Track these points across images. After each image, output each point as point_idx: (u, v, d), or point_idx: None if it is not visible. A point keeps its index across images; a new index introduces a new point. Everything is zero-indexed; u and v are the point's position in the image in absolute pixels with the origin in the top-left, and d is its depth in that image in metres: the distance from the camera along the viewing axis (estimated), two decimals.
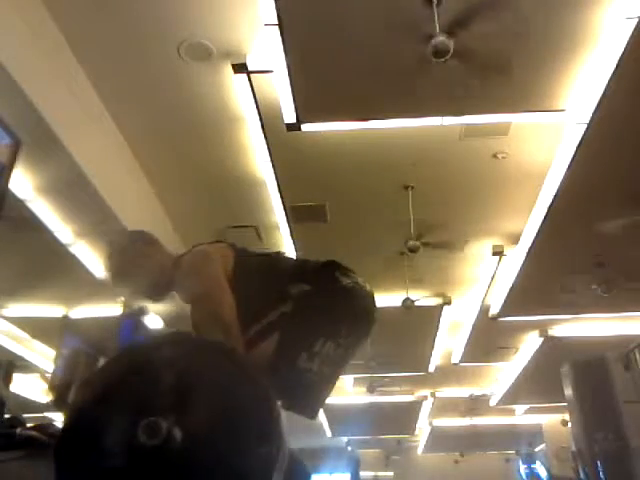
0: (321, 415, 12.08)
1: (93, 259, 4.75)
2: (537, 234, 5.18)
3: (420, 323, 7.31)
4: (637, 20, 3.03)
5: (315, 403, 1.67)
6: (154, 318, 5.58)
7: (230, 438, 0.96)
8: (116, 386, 1.01)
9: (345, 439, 15.33)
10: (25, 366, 6.45)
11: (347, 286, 1.69)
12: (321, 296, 1.66)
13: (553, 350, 7.86)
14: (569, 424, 7.81)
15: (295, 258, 1.88)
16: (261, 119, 3.87)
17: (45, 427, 1.31)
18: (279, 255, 2.01)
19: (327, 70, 3.46)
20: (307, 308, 1.63)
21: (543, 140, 4.21)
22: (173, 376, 1.01)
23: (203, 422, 0.96)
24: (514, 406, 12.27)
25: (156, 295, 1.86)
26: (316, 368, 1.57)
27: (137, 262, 1.79)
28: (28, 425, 1.35)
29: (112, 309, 5.40)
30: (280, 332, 1.61)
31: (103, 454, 0.95)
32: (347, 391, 10.45)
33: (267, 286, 1.70)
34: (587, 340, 7.60)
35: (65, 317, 5.89)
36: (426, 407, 12.16)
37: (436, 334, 7.84)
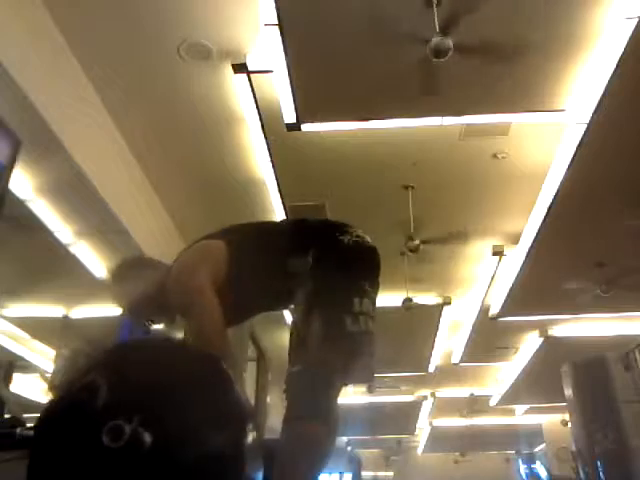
0: None
1: (93, 259, 4.75)
2: (537, 234, 5.18)
3: (420, 323, 7.31)
4: (637, 20, 3.03)
5: (372, 362, 1.70)
6: None
7: (188, 429, 0.98)
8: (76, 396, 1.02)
9: (345, 439, 15.33)
10: (25, 366, 6.45)
11: (350, 243, 1.72)
12: (332, 262, 1.68)
13: (553, 350, 7.87)
14: (569, 424, 7.80)
15: (290, 223, 1.87)
16: (261, 119, 3.87)
17: None
18: (274, 225, 2.00)
19: (327, 70, 3.46)
20: (325, 277, 1.64)
21: (543, 140, 4.21)
22: (130, 381, 1.02)
23: (163, 422, 0.97)
24: (514, 406, 12.27)
25: (171, 314, 1.82)
26: (364, 327, 1.60)
27: (140, 290, 1.75)
28: (28, 425, 1.35)
29: (112, 309, 5.40)
30: (316, 309, 1.62)
31: (71, 457, 0.96)
32: (347, 391, 10.43)
33: (271, 267, 1.70)
34: (587, 340, 7.60)
35: (65, 317, 5.88)
36: (426, 407, 12.16)
37: (436, 334, 7.85)
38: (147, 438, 0.93)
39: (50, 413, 1.05)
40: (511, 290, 6.32)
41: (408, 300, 6.13)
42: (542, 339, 7.94)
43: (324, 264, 1.67)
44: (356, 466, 13.57)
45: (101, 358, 1.17)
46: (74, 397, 1.02)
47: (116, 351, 1.22)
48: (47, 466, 0.99)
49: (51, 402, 1.12)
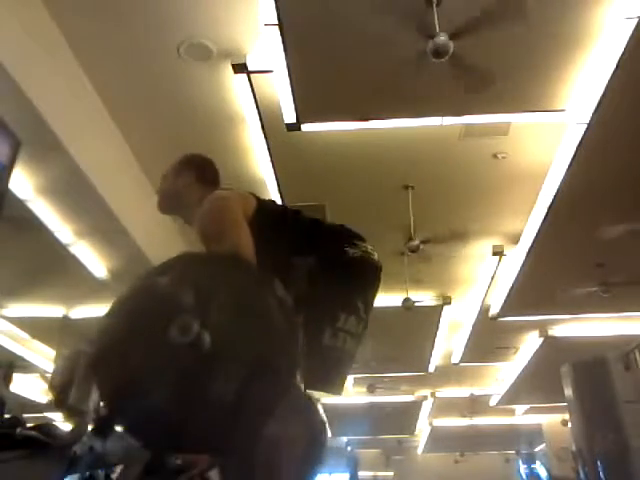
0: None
1: (93, 259, 4.75)
2: (537, 234, 5.18)
3: (420, 323, 7.31)
4: (637, 20, 3.03)
5: (341, 380, 1.67)
6: None
7: (244, 336, 1.04)
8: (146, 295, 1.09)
9: (345, 439, 15.34)
10: (25, 366, 6.46)
11: (354, 257, 1.68)
12: (330, 270, 1.64)
13: (553, 350, 7.87)
14: (569, 424, 7.80)
15: (311, 220, 1.83)
16: (261, 119, 3.87)
17: (45, 427, 1.32)
18: (299, 215, 1.98)
19: (327, 70, 3.46)
20: (319, 283, 1.61)
21: (543, 140, 4.21)
22: (197, 284, 1.09)
23: (228, 322, 1.03)
24: (514, 406, 12.27)
25: (170, 212, 1.98)
26: (340, 345, 1.56)
27: (179, 183, 2.00)
28: (28, 425, 1.35)
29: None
30: (302, 312, 1.55)
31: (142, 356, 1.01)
32: (347, 391, 10.46)
33: (279, 246, 1.67)
34: (587, 340, 7.60)
35: (65, 317, 5.89)
36: (426, 407, 12.16)
37: (436, 334, 7.85)
38: (208, 339, 0.98)
39: (131, 290, 1.11)
40: (511, 290, 6.32)
41: (408, 300, 6.12)
42: (542, 339, 7.94)
43: (322, 270, 1.64)
44: (353, 466, 13.59)
45: (179, 261, 1.23)
46: (154, 283, 1.08)
47: (193, 257, 1.36)
48: (115, 339, 1.04)
49: (134, 284, 1.19)
